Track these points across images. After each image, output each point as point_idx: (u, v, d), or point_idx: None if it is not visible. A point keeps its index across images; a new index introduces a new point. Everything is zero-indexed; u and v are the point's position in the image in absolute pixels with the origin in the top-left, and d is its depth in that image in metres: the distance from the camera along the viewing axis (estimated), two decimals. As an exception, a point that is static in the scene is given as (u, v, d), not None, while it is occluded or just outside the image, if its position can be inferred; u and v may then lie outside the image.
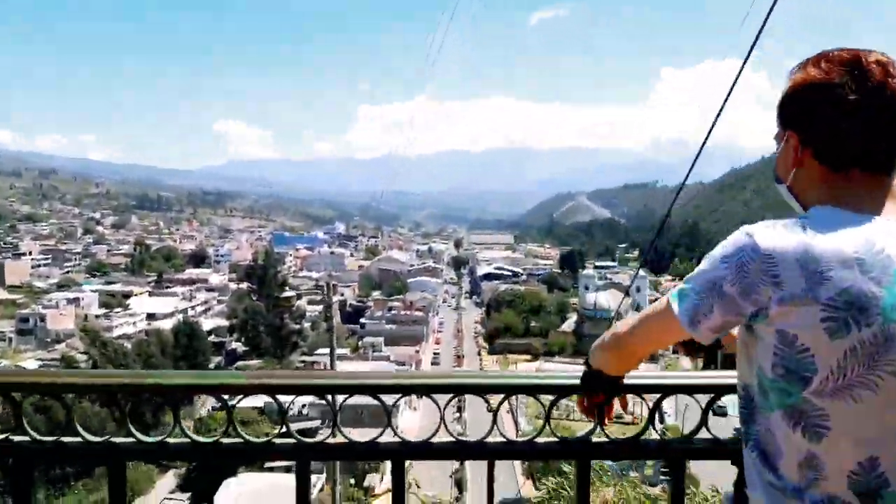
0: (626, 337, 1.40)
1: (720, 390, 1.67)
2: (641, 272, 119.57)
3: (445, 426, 1.72)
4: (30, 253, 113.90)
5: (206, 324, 69.29)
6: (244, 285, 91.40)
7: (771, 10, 3.86)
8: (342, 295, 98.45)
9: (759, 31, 4.02)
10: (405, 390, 1.72)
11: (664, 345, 1.40)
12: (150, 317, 70.82)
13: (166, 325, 63.96)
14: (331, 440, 1.75)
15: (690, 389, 1.71)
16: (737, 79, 4.47)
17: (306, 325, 75.62)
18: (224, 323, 73.25)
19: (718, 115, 4.56)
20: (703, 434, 1.69)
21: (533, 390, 1.75)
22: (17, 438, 1.70)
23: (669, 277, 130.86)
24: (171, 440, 1.73)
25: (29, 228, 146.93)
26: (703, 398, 1.74)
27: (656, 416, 1.71)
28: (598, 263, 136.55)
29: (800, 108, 1.22)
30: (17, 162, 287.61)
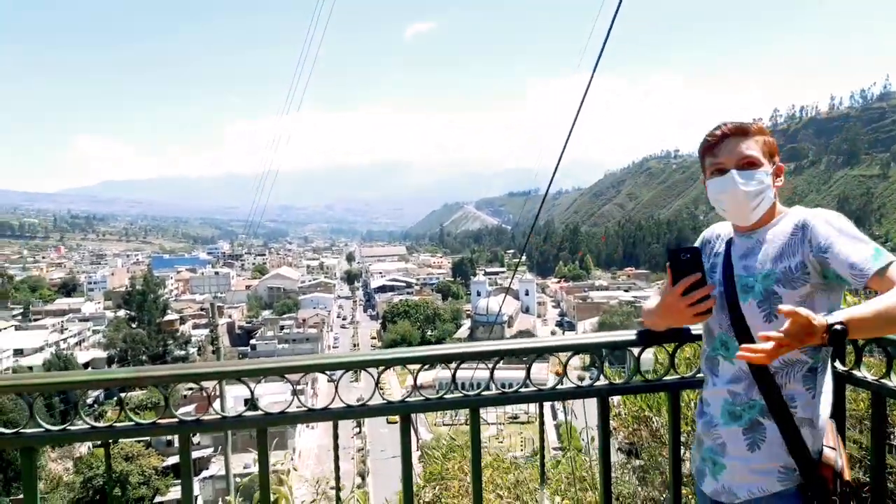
0: None
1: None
2: (529, 275, 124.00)
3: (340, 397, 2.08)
4: None
5: (82, 356, 64.75)
6: (122, 313, 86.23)
7: (611, 27, 4.41)
8: (230, 316, 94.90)
9: (602, 47, 4.55)
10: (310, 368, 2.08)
11: None
12: (18, 352, 65.14)
13: (36, 360, 59.33)
14: (207, 416, 2.15)
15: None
16: (587, 90, 4.99)
17: (192, 350, 72.44)
18: (102, 354, 68.70)
19: (573, 124, 5.07)
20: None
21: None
22: None
23: (555, 280, 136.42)
24: (73, 427, 2.09)
25: None
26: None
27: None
28: (488, 270, 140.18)
29: (778, 151, 1.92)
30: None
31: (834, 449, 1.77)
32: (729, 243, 1.92)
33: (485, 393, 2.19)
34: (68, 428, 2.09)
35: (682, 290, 1.80)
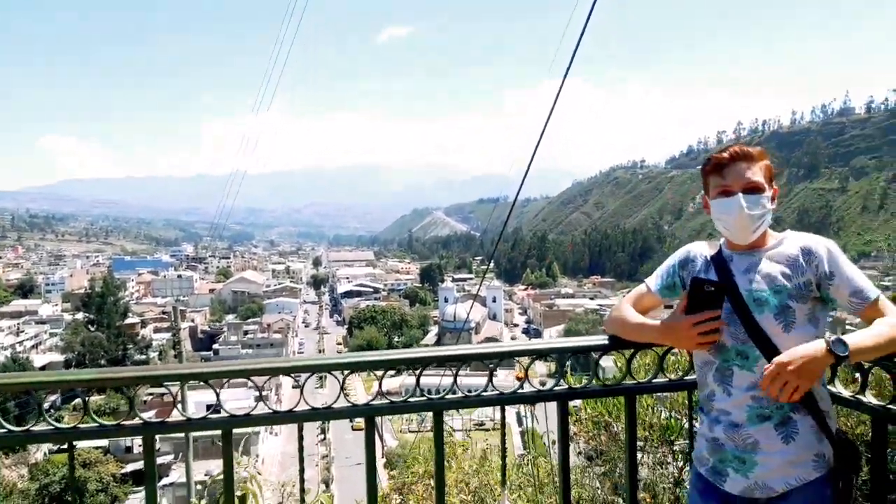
0: None
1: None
2: (496, 282, 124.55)
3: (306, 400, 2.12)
4: None
5: (38, 360, 62.99)
6: (80, 315, 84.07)
7: (581, 35, 4.50)
8: (192, 321, 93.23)
9: (573, 55, 4.65)
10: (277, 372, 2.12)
11: None
12: (-30, 355, 63.08)
13: (-10, 363, 57.39)
14: (171, 419, 2.18)
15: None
16: (556, 100, 5.06)
17: (153, 354, 71.05)
18: (59, 358, 66.99)
19: (542, 132, 5.13)
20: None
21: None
22: None
23: (522, 287, 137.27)
24: (35, 428, 2.11)
25: None
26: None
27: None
28: (456, 276, 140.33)
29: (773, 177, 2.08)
30: None
31: (846, 432, 2.03)
32: (720, 261, 2.07)
33: (448, 396, 2.24)
34: (31, 429, 2.08)
35: (696, 321, 1.95)
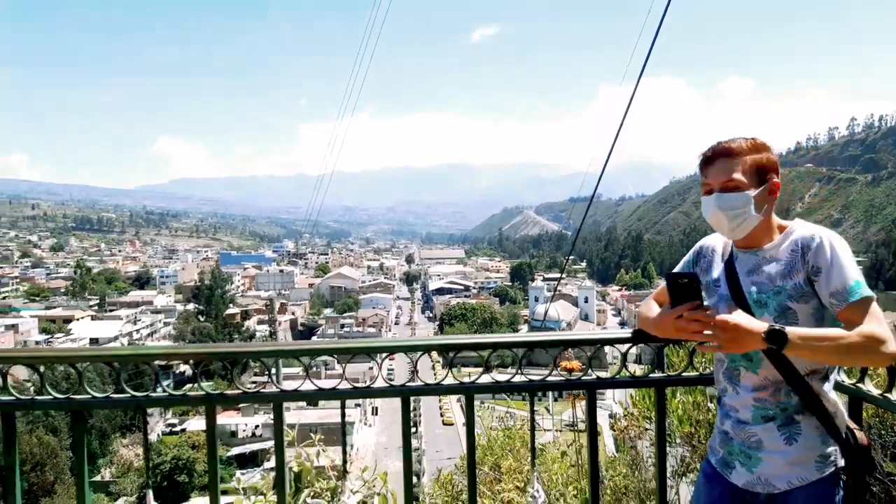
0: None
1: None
2: (588, 283, 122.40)
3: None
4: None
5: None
6: (191, 306, 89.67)
7: (657, 32, 4.46)
8: (293, 313, 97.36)
9: (648, 53, 4.61)
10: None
11: None
12: (94, 341, 68.63)
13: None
14: (229, 391, 2.45)
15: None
16: (633, 95, 5.02)
17: (256, 345, 74.60)
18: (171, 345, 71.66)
19: (619, 130, 5.08)
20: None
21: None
22: (4, 398, 2.33)
23: (616, 287, 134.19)
24: (115, 395, 2.41)
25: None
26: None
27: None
28: (546, 275, 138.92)
29: (774, 168, 1.99)
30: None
31: (861, 429, 1.97)
32: (729, 261, 2.06)
33: (479, 381, 2.38)
34: (111, 396, 2.38)
35: (678, 315, 1.95)
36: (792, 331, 1.73)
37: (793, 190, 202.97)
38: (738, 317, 1.78)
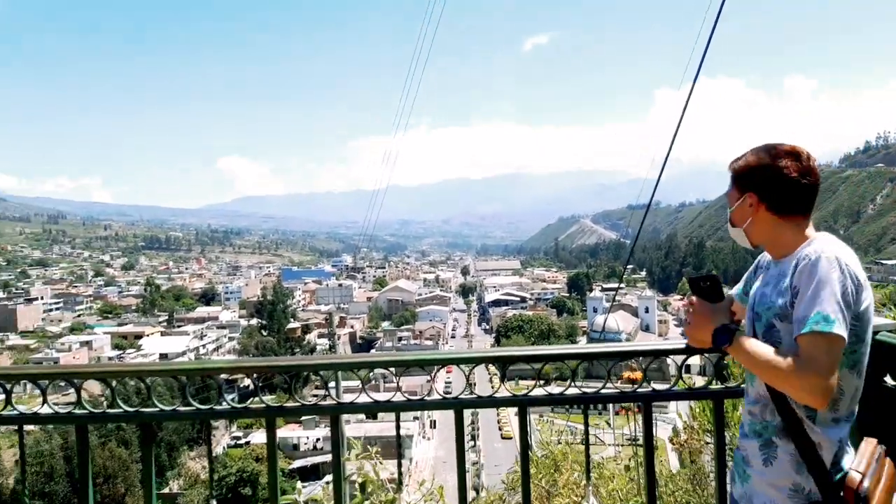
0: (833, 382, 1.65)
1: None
2: (649, 292, 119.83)
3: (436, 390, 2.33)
4: (41, 297, 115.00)
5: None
6: (254, 321, 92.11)
7: (712, 34, 4.40)
8: (352, 327, 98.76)
9: (704, 54, 4.54)
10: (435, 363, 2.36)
11: None
12: (163, 356, 71.27)
13: (179, 363, 64.37)
14: (289, 404, 2.51)
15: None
16: (688, 99, 4.97)
17: (317, 358, 75.86)
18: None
19: (675, 136, 5.04)
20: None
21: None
22: (78, 412, 2.48)
23: (678, 297, 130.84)
24: (181, 409, 2.52)
25: (39, 273, 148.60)
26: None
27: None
28: (605, 285, 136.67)
29: (760, 179, 1.88)
30: (25, 208, 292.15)
31: (862, 473, 1.72)
32: (766, 270, 2.05)
33: (532, 394, 2.38)
34: (178, 408, 2.49)
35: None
36: (743, 338, 1.80)
37: (863, 192, 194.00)
38: (704, 306, 1.90)
